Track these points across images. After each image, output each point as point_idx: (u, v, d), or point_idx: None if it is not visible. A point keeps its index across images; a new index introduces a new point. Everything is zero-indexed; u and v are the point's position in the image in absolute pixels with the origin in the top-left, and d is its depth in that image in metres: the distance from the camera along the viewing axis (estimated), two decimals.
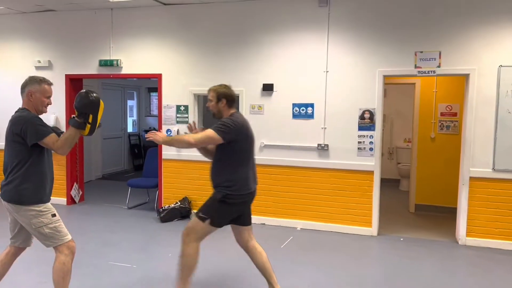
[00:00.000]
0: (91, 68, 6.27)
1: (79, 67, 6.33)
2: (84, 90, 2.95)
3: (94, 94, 2.92)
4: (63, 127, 6.28)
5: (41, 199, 2.92)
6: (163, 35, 5.92)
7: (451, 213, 5.73)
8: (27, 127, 2.85)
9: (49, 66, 6.45)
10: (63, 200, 6.44)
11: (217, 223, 3.16)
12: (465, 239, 4.93)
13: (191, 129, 3.46)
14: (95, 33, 6.21)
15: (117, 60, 6.08)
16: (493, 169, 4.79)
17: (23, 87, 3.01)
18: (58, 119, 6.39)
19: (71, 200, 6.50)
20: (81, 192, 6.66)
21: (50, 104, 3.05)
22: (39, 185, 2.92)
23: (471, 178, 4.88)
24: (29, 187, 2.88)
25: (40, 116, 3.00)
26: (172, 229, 5.30)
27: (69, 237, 2.97)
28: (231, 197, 3.13)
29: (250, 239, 3.37)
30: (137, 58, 6.06)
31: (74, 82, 6.44)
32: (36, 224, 2.87)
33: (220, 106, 3.24)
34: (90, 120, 2.89)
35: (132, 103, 10.44)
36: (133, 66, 6.09)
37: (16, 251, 3.10)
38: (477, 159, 4.84)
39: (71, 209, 6.25)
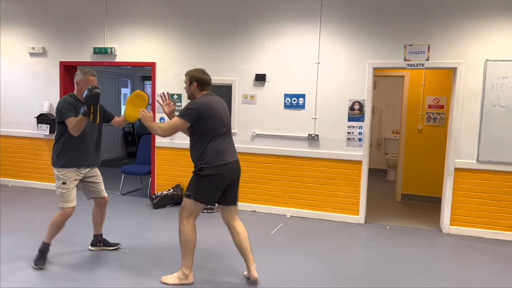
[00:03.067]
0: (86, 55, 6.30)
1: (74, 54, 6.36)
2: (90, 86, 3.51)
3: (96, 90, 3.46)
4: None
5: (62, 165, 3.69)
6: (157, 24, 5.97)
7: (436, 202, 5.91)
8: (58, 108, 3.67)
9: (43, 53, 6.47)
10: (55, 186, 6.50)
11: (201, 199, 3.34)
12: (449, 228, 5.09)
13: (163, 100, 3.64)
14: (90, 20, 6.23)
15: (111, 48, 6.12)
16: (477, 160, 4.94)
17: (75, 77, 3.77)
18: (52, 106, 6.43)
19: None
20: None
21: None
22: (63, 153, 3.69)
23: (456, 169, 5.02)
24: (56, 154, 3.72)
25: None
26: (165, 215, 5.41)
27: (70, 205, 3.70)
28: (205, 169, 3.30)
29: (233, 219, 3.54)
30: (131, 46, 6.10)
31: (68, 69, 6.47)
32: (55, 183, 3.75)
33: (191, 89, 3.46)
34: (91, 111, 3.48)
35: (126, 91, 10.45)
36: (127, 54, 6.14)
37: (97, 203, 4.02)
38: (462, 150, 4.99)
39: None
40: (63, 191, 3.68)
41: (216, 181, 3.34)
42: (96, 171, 3.97)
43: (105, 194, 4.03)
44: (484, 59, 4.84)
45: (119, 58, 6.18)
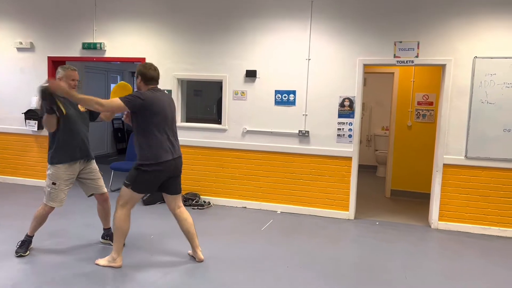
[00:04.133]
0: (74, 50, 6.23)
1: (62, 49, 6.29)
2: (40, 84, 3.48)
3: (42, 85, 3.39)
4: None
5: (55, 162, 3.72)
6: (147, 19, 5.92)
7: (425, 198, 5.97)
8: None
9: (31, 48, 6.39)
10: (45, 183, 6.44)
11: (137, 189, 3.53)
12: (437, 223, 5.15)
13: None
14: (79, 15, 6.16)
15: (100, 43, 6.06)
16: (466, 156, 4.99)
17: (56, 74, 3.79)
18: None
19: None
20: None
21: (76, 85, 3.75)
22: (56, 149, 3.72)
23: (444, 165, 5.08)
24: (50, 152, 3.77)
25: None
26: (154, 212, 5.39)
27: (54, 205, 3.76)
28: (142, 165, 3.46)
29: (177, 207, 3.74)
30: (120, 41, 6.05)
31: (56, 65, 6.38)
32: (46, 180, 3.81)
33: (137, 82, 3.59)
34: (51, 107, 3.48)
35: None
36: (117, 49, 6.09)
37: (99, 200, 4.05)
38: (451, 146, 5.04)
39: None
40: (51, 190, 3.75)
41: (152, 177, 3.52)
42: (92, 167, 3.99)
43: (104, 190, 4.05)
44: (473, 56, 4.89)
45: (108, 54, 6.13)
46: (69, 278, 3.45)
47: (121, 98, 3.38)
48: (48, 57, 6.34)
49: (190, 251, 3.91)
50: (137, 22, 5.96)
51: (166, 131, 3.54)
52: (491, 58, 4.82)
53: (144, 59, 5.95)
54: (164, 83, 5.89)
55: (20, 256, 3.79)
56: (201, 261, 3.80)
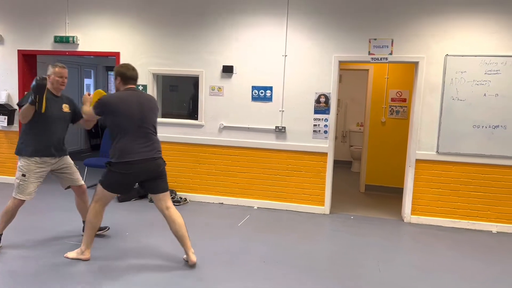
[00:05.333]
0: (46, 44, 6.08)
1: (33, 42, 6.12)
2: (38, 76, 3.52)
3: (43, 81, 3.50)
4: (15, 104, 6.08)
5: (24, 154, 3.70)
6: (121, 13, 5.82)
7: (398, 193, 6.11)
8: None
9: (0, 41, 6.19)
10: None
11: (109, 188, 3.52)
12: (410, 217, 5.27)
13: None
14: (50, 7, 6.01)
15: (73, 37, 5.93)
16: (437, 152, 5.12)
17: (47, 71, 3.83)
18: (10, 96, 6.19)
19: None
20: None
21: (64, 82, 3.85)
22: (26, 141, 3.72)
23: (417, 161, 5.20)
24: (20, 142, 3.76)
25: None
26: (129, 209, 5.33)
27: (23, 197, 3.72)
28: (113, 164, 3.47)
29: (165, 208, 3.64)
30: (94, 35, 5.93)
31: (27, 58, 6.23)
32: (16, 173, 3.76)
33: (116, 83, 3.60)
34: (37, 99, 3.54)
35: (89, 81, 10.15)
36: (90, 43, 5.97)
37: (76, 192, 4.08)
38: (423, 142, 5.16)
39: None
40: (21, 182, 3.71)
41: (121, 178, 3.49)
42: (67, 161, 3.98)
43: (81, 183, 4.08)
44: (444, 54, 5.01)
45: (82, 48, 6.00)
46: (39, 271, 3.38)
47: (92, 107, 3.55)
48: (18, 50, 6.16)
49: (185, 256, 3.75)
50: (112, 16, 5.85)
51: (134, 131, 3.46)
52: (462, 56, 4.95)
53: (118, 53, 5.86)
54: (140, 78, 5.68)
55: None
56: (193, 263, 3.65)
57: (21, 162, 3.72)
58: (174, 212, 3.65)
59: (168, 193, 3.69)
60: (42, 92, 3.54)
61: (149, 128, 3.55)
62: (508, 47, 4.87)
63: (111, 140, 3.52)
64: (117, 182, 3.52)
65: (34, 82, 3.50)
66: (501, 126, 4.93)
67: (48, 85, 3.78)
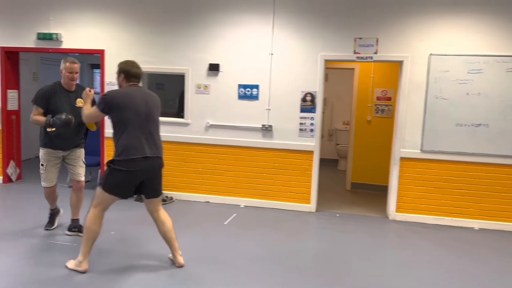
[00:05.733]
0: (29, 41, 5.98)
1: (15, 39, 6.01)
2: (65, 116, 3.87)
3: (69, 120, 3.87)
4: None
5: (41, 145, 4.05)
6: (106, 10, 5.76)
7: (383, 191, 6.17)
8: (37, 91, 4.06)
9: None
10: None
11: (111, 190, 3.35)
12: (395, 215, 5.33)
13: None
14: (33, 3, 5.91)
15: (56, 34, 5.84)
16: (421, 150, 5.19)
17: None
18: None
19: (7, 179, 6.25)
20: (18, 171, 6.41)
21: (73, 78, 4.02)
22: (42, 133, 4.03)
23: (401, 159, 5.26)
24: (40, 134, 4.08)
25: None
26: (114, 208, 5.21)
27: (47, 184, 4.12)
28: (115, 162, 3.32)
29: (155, 210, 3.59)
30: (78, 32, 5.86)
31: (10, 55, 6.12)
32: None
33: (119, 80, 3.53)
34: (53, 128, 3.91)
35: None
36: (75, 40, 5.89)
37: (74, 186, 4.23)
38: (407, 140, 5.23)
39: (7, 188, 6.02)
40: (41, 172, 4.10)
41: (124, 177, 3.32)
42: (76, 154, 4.19)
43: (81, 179, 4.22)
44: (428, 53, 5.07)
45: (66, 45, 5.92)
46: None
47: (95, 106, 3.43)
48: (1, 47, 6.05)
49: (170, 255, 3.71)
50: (96, 12, 5.79)
51: (139, 127, 3.35)
52: (445, 55, 5.02)
53: (103, 50, 5.80)
54: None
55: (50, 229, 4.29)
56: (180, 265, 3.60)
57: (40, 153, 4.07)
58: (164, 215, 3.60)
59: (160, 197, 3.62)
60: (64, 130, 3.89)
61: (153, 125, 3.46)
62: (491, 46, 4.95)
63: (113, 135, 3.38)
64: (119, 182, 3.34)
65: (60, 120, 3.81)
66: (483, 124, 5.02)
67: (62, 80, 4.03)
